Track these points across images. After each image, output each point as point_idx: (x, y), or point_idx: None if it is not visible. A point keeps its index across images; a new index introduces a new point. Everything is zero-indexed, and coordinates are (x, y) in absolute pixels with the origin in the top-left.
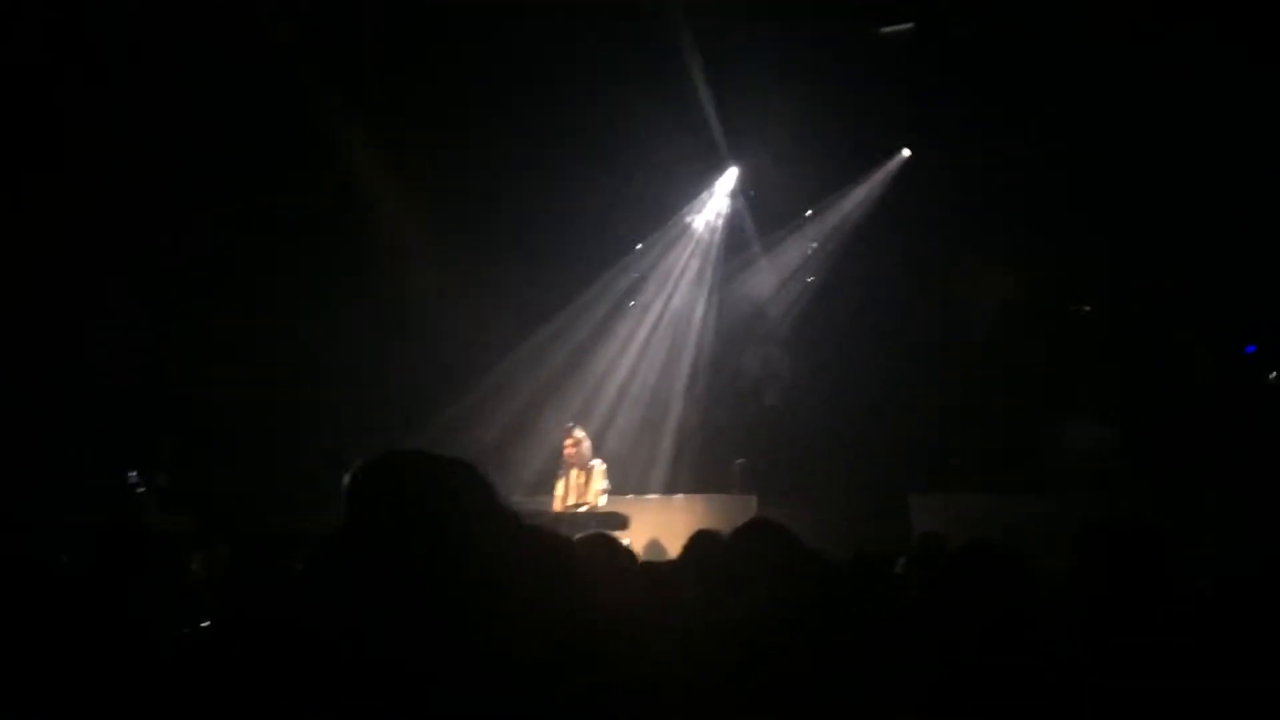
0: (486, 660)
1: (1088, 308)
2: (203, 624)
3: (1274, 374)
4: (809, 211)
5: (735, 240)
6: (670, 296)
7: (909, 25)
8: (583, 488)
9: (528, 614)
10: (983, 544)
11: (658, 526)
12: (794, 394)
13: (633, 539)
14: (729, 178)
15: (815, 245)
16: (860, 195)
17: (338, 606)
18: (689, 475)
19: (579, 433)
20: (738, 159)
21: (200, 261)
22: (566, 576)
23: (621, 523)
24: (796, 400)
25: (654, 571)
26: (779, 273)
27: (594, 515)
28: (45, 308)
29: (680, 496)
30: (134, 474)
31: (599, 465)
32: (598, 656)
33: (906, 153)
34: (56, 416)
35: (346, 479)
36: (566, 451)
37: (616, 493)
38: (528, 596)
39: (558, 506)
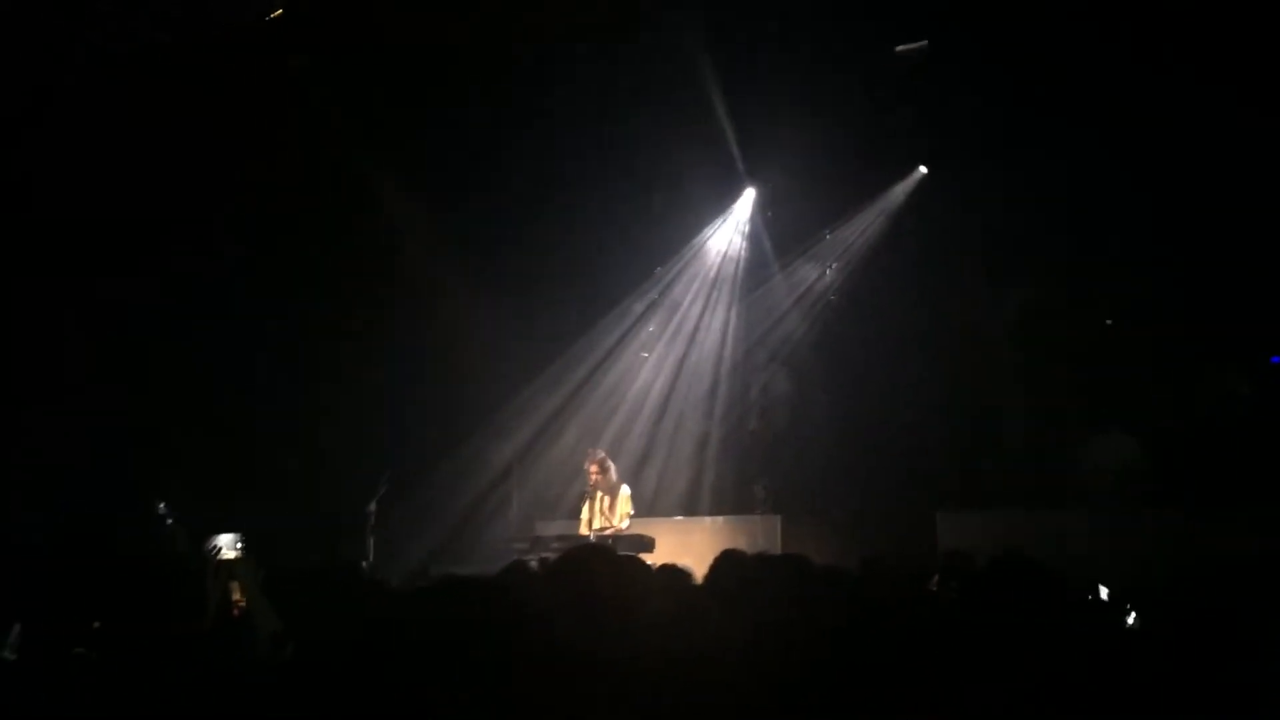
0: None
1: (1110, 321)
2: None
3: None
4: (827, 232)
5: (753, 262)
6: (690, 319)
7: (924, 43)
8: (608, 512)
9: None
10: (1017, 554)
11: (684, 548)
12: (808, 415)
13: (659, 561)
14: (747, 199)
15: (833, 265)
16: (876, 214)
17: None
18: (712, 497)
19: (603, 456)
20: (755, 181)
21: (226, 300)
22: None
23: (648, 545)
24: (813, 421)
25: (681, 592)
26: (795, 293)
27: (620, 538)
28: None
29: (706, 518)
30: (164, 505)
31: (625, 490)
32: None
33: (923, 170)
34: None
35: None
36: (591, 477)
37: (642, 516)
38: None
39: (584, 530)
